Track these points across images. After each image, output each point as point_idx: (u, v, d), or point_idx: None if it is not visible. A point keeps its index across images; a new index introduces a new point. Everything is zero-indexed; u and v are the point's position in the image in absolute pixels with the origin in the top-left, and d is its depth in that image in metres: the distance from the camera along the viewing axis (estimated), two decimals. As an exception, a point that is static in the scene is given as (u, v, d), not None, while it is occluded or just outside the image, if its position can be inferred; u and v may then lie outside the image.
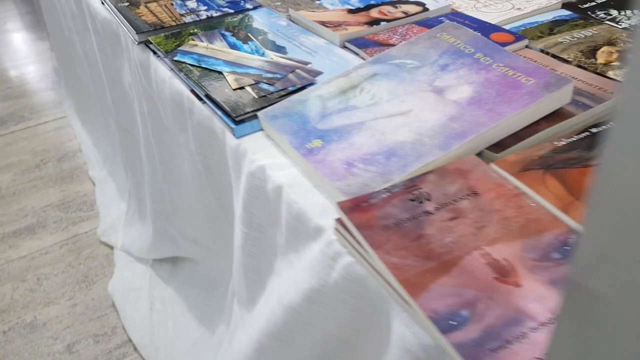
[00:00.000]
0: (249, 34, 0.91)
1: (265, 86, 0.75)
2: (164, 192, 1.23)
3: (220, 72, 0.79)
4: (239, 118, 0.69)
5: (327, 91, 0.70)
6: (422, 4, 0.95)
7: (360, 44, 0.85)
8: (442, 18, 0.92)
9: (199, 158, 0.89)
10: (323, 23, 0.89)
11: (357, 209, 0.51)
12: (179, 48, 0.87)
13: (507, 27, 0.89)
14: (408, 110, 0.65)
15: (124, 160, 1.55)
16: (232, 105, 0.71)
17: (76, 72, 1.85)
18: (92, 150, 2.02)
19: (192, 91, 0.79)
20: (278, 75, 0.77)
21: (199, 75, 0.79)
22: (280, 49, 0.85)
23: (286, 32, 0.91)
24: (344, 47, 0.86)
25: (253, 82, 0.75)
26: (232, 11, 1.01)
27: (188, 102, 0.81)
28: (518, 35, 0.84)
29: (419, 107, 0.65)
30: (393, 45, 0.83)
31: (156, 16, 0.99)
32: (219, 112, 0.72)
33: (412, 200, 0.52)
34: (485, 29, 0.86)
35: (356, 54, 0.84)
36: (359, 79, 0.71)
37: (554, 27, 0.88)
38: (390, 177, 0.56)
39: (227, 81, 0.76)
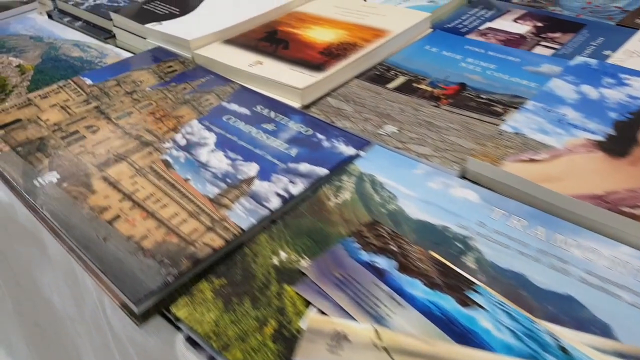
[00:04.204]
0: (446, 262, 0.36)
1: None
2: None
3: None
4: None
5: None
6: None
7: None
8: None
9: None
10: (615, 207, 0.37)
11: None
12: (301, 360, 0.30)
13: None
14: None
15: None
16: None
17: None
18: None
19: None
20: None
21: None
22: (576, 318, 0.32)
23: (514, 234, 0.38)
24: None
25: None
26: (325, 170, 0.44)
27: None
28: None
29: None
30: None
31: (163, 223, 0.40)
32: None
33: None
34: None
35: None
36: None
37: None
38: None
39: None
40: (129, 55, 0.72)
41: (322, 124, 0.51)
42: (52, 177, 0.45)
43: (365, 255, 0.36)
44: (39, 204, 0.42)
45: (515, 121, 0.48)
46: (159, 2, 0.77)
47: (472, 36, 0.71)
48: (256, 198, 0.42)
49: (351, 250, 0.37)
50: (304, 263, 0.36)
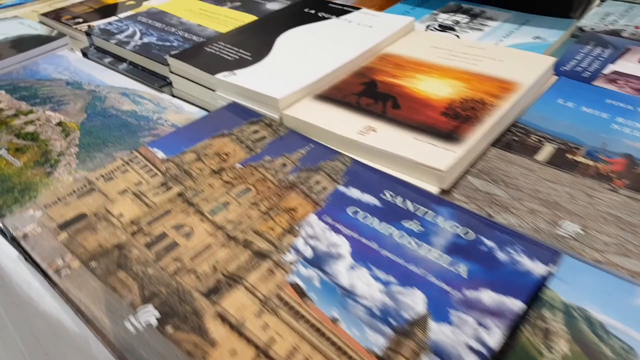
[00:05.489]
0: None
1: None
2: None
3: None
4: None
5: None
6: None
7: None
8: None
9: None
10: None
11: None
12: None
13: None
14: None
15: None
16: None
17: None
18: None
19: None
20: None
21: None
22: None
23: None
24: None
25: None
26: (519, 302, 0.32)
27: None
28: None
29: None
30: None
31: None
32: None
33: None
34: None
35: None
36: None
37: None
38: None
39: None
40: (190, 108, 0.61)
41: (481, 222, 0.40)
42: (149, 314, 0.33)
43: None
44: (139, 365, 0.31)
45: None
46: (223, 44, 0.65)
47: (599, 83, 0.60)
48: (443, 356, 0.30)
49: None
50: None
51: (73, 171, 0.51)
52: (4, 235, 0.46)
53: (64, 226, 0.41)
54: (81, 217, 0.42)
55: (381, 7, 0.85)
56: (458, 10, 0.79)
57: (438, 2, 0.82)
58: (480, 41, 0.69)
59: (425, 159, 0.44)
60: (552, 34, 0.69)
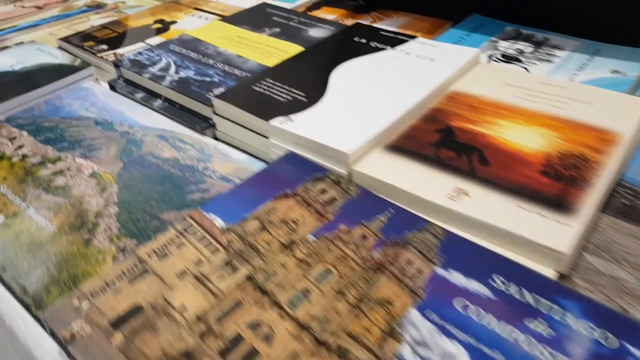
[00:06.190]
0: None
1: None
2: None
3: None
4: None
5: None
6: None
7: None
8: None
9: None
10: None
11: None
12: None
13: None
14: None
15: None
16: None
17: None
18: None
19: None
20: None
21: None
22: None
23: None
24: None
25: None
26: None
27: None
28: None
29: None
30: None
31: None
32: None
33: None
34: None
35: None
36: None
37: None
38: None
39: None
40: (239, 155, 0.54)
41: (619, 320, 0.33)
42: None
43: None
44: None
45: None
46: (272, 82, 0.58)
47: (697, 126, 0.53)
48: None
49: None
50: None
51: (115, 238, 0.45)
52: (39, 321, 0.39)
53: (117, 324, 0.34)
54: (136, 310, 0.35)
55: (429, 32, 0.78)
56: (518, 37, 0.72)
57: (493, 28, 0.76)
58: (552, 75, 0.62)
59: (540, 236, 0.37)
60: (630, 67, 0.63)
